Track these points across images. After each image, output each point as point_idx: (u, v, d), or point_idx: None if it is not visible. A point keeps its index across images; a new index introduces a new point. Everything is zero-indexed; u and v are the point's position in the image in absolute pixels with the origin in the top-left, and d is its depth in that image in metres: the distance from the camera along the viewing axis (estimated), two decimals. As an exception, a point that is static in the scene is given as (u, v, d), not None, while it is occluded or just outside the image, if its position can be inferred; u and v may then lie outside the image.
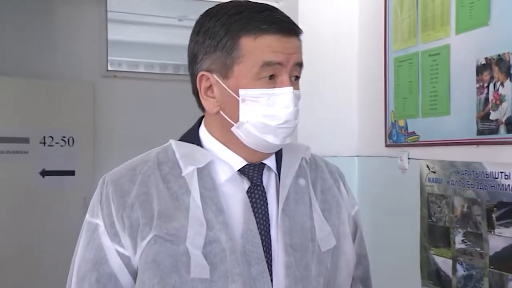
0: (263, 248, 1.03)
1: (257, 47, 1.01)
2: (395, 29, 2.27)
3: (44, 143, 3.88)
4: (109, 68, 4.40)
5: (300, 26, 2.87)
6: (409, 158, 2.18)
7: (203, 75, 1.06)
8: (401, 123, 2.22)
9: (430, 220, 2.03)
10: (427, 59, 2.06)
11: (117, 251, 1.04)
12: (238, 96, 1.03)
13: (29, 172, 3.79)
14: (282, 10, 2.92)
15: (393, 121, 2.28)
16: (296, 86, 1.05)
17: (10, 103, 3.71)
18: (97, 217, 1.07)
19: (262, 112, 1.02)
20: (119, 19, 4.91)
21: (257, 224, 1.05)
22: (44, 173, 3.85)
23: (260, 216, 1.06)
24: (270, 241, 1.06)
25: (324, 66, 2.56)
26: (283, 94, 1.02)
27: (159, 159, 1.09)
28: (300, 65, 1.06)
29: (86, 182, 3.91)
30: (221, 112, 1.07)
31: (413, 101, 2.14)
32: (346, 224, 1.16)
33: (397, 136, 2.25)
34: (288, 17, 1.06)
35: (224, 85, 1.04)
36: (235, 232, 1.02)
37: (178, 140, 1.13)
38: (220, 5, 1.07)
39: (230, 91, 1.03)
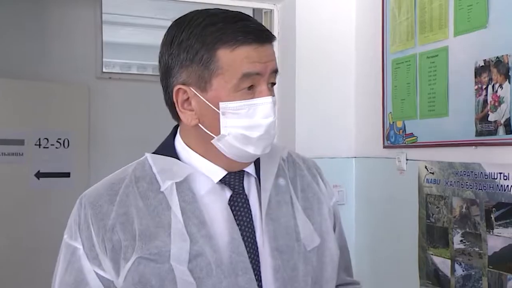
0: (250, 255, 1.03)
1: (235, 59, 0.99)
2: (393, 31, 2.28)
3: (39, 145, 3.85)
4: (104, 70, 4.39)
5: (298, 28, 2.89)
6: (407, 159, 2.19)
7: (179, 88, 1.04)
8: (399, 124, 2.24)
9: (428, 221, 2.04)
10: (425, 61, 2.08)
11: (98, 274, 1.03)
12: (218, 109, 1.01)
13: (24, 174, 3.76)
14: (279, 14, 2.94)
15: (391, 123, 2.29)
16: (273, 93, 1.05)
17: (5, 105, 3.69)
18: (75, 240, 1.05)
19: (243, 123, 1.01)
20: (113, 20, 4.89)
21: (242, 231, 1.04)
22: (39, 175, 3.82)
23: (244, 223, 1.05)
24: (257, 247, 1.05)
25: (322, 68, 2.57)
26: (263, 104, 1.01)
27: (136, 175, 1.07)
28: (276, 71, 1.05)
29: (81, 184, 3.88)
30: (199, 125, 1.05)
31: (411, 102, 2.16)
32: (328, 220, 1.16)
33: (395, 137, 2.27)
34: (261, 25, 1.06)
35: (202, 98, 1.02)
36: (219, 243, 1.01)
37: (153, 152, 1.11)
38: (191, 15, 1.05)
39: (210, 104, 1.02)
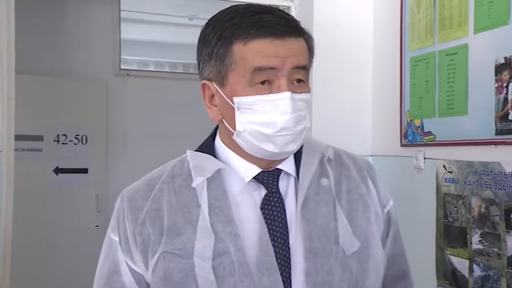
0: (280, 256, 1.00)
1: (247, 53, 0.98)
2: (411, 29, 2.25)
3: (58, 141, 3.89)
4: (122, 67, 4.41)
5: (315, 26, 2.85)
6: (425, 158, 2.16)
7: (204, 84, 1.05)
8: (417, 122, 2.21)
9: (446, 221, 2.01)
10: (444, 58, 2.04)
11: (129, 267, 1.05)
12: (233, 104, 1.00)
13: (43, 169, 3.80)
14: (296, 10, 2.91)
15: (409, 121, 2.26)
16: (299, 89, 1.00)
17: (24, 101, 3.69)
18: (114, 232, 1.08)
19: (257, 119, 0.99)
20: (131, 18, 4.91)
21: (274, 232, 1.01)
22: (57, 170, 3.86)
23: (277, 223, 1.03)
24: (289, 248, 1.02)
25: (339, 65, 2.55)
26: (279, 100, 0.97)
27: (174, 171, 1.08)
28: (302, 67, 1.01)
29: (98, 180, 3.92)
30: (223, 120, 1.05)
31: (429, 100, 2.13)
32: (374, 225, 1.10)
33: (413, 135, 2.24)
34: (286, 18, 1.01)
35: (221, 93, 1.02)
36: (245, 243, 0.99)
37: (196, 150, 1.11)
38: (220, 12, 1.04)
39: (227, 99, 1.01)
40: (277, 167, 1.07)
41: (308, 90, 1.03)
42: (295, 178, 1.08)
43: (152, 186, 1.07)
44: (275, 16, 0.99)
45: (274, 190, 1.05)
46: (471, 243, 1.88)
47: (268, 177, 1.05)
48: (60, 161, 3.86)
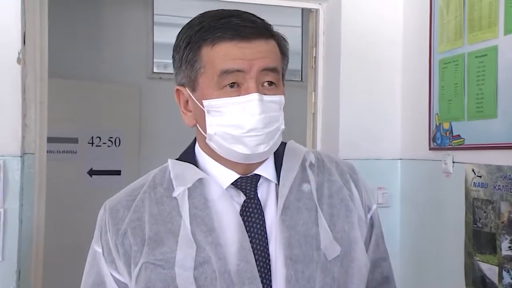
0: (260, 264, 0.99)
1: (215, 56, 0.97)
2: (440, 30, 2.21)
3: (92, 143, 3.97)
4: (155, 70, 4.47)
5: (343, 27, 2.83)
6: (453, 162, 2.12)
7: (177, 89, 1.05)
8: (446, 126, 2.17)
9: (475, 226, 1.97)
10: (474, 60, 2.00)
11: (114, 278, 1.05)
12: (204, 107, 1.00)
13: (77, 171, 3.89)
14: (325, 12, 2.89)
15: (438, 124, 2.22)
16: (270, 92, 0.99)
17: (60, 104, 3.80)
18: (97, 243, 1.08)
19: (227, 122, 0.98)
20: (164, 22, 4.98)
21: (253, 239, 1.00)
22: (91, 172, 3.95)
23: (256, 230, 1.01)
24: (268, 255, 1.00)
25: (367, 68, 2.53)
26: (247, 101, 0.97)
27: (156, 181, 1.07)
28: (271, 69, 0.99)
29: (131, 182, 3.95)
30: (197, 125, 1.05)
31: (458, 103, 2.09)
32: (357, 229, 1.08)
33: (442, 139, 2.20)
34: (253, 20, 1.00)
35: (193, 98, 1.02)
36: (226, 251, 0.98)
37: (177, 158, 1.10)
38: (193, 18, 1.04)
39: (198, 103, 1.01)
40: (256, 172, 1.06)
41: (280, 92, 1.02)
42: (275, 184, 1.07)
43: (133, 196, 1.06)
44: (242, 19, 0.99)
45: (252, 196, 1.04)
46: (501, 249, 1.84)
47: (246, 182, 1.04)
48: (94, 163, 3.95)
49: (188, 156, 1.09)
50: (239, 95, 0.98)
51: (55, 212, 3.68)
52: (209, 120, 0.99)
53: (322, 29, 2.68)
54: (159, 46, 4.56)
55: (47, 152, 2.28)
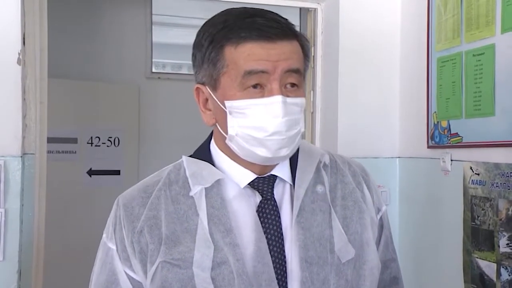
0: (277, 265, 0.99)
1: (238, 56, 0.96)
2: (438, 29, 2.22)
3: (91, 143, 3.98)
4: (154, 70, 4.48)
5: (341, 26, 2.84)
6: (452, 160, 2.13)
7: (197, 88, 1.04)
8: (444, 124, 2.18)
9: (473, 223, 1.98)
10: (471, 59, 2.01)
11: (128, 276, 1.04)
12: (225, 108, 0.98)
13: (77, 171, 3.89)
14: (323, 12, 2.89)
15: (436, 122, 2.23)
16: (292, 94, 0.98)
17: (59, 104, 3.80)
18: (111, 240, 1.07)
19: (249, 124, 0.97)
20: (163, 22, 4.98)
21: (270, 240, 1.00)
22: (91, 172, 3.95)
23: (272, 232, 1.01)
24: (284, 257, 1.00)
25: (365, 67, 2.54)
26: (271, 104, 0.95)
27: (171, 178, 1.06)
28: (295, 71, 0.98)
29: (131, 181, 3.91)
30: (217, 124, 1.04)
31: (456, 101, 2.10)
32: (369, 231, 1.09)
33: (440, 137, 2.21)
34: (278, 21, 0.99)
35: (214, 97, 1.01)
36: (244, 252, 0.98)
37: (191, 155, 1.10)
38: (215, 16, 1.03)
39: (219, 103, 1.00)
40: (272, 173, 1.05)
41: (302, 95, 1.01)
42: (290, 185, 1.06)
43: (148, 193, 1.05)
44: (267, 19, 0.97)
45: (269, 197, 1.03)
46: (499, 246, 1.85)
47: (264, 183, 1.04)
48: (94, 163, 3.95)
49: (204, 154, 1.08)
50: (262, 97, 0.96)
51: (56, 212, 3.68)
52: (231, 121, 0.98)
53: (320, 29, 2.69)
54: (157, 46, 4.57)
55: (47, 152, 2.28)
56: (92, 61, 4.11)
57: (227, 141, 1.01)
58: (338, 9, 2.53)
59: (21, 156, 2.04)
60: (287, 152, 1.00)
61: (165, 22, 5.07)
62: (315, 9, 2.70)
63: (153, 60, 4.47)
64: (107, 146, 4.02)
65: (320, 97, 2.68)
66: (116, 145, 4.05)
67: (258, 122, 0.96)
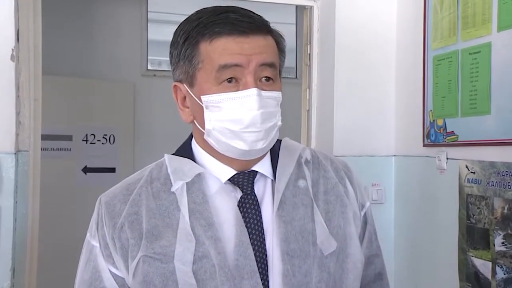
0: (258, 259, 1.00)
1: (213, 51, 0.97)
2: (434, 27, 2.22)
3: (87, 140, 3.96)
4: (149, 67, 4.46)
5: (337, 24, 2.83)
6: (447, 158, 2.13)
7: (175, 85, 1.05)
8: (440, 122, 2.17)
9: (468, 222, 1.98)
10: (467, 57, 2.01)
11: (111, 272, 1.04)
12: (202, 103, 1.00)
13: (72, 168, 3.87)
14: (319, 10, 2.89)
15: (432, 121, 2.23)
16: (267, 87, 1.00)
17: (54, 102, 3.78)
18: (94, 238, 1.07)
19: (225, 117, 0.98)
20: (159, 19, 4.97)
21: (251, 234, 1.01)
22: (86, 170, 3.94)
23: (253, 226, 1.02)
24: (265, 250, 1.01)
25: (361, 65, 2.53)
26: (245, 96, 0.97)
27: (152, 175, 1.07)
28: (269, 65, 1.00)
29: (126, 179, 3.96)
30: (194, 121, 1.04)
31: (452, 100, 2.09)
32: (352, 225, 1.09)
33: (435, 135, 2.20)
34: (251, 16, 1.00)
35: (191, 93, 1.02)
36: (226, 246, 0.98)
37: (173, 153, 1.10)
38: (191, 14, 1.04)
39: (196, 99, 1.01)
40: (253, 168, 1.06)
41: (278, 88, 1.02)
42: (272, 180, 1.07)
43: (130, 190, 1.06)
44: (240, 15, 0.99)
45: (249, 191, 1.04)
46: (494, 245, 1.85)
47: (244, 179, 1.05)
48: (89, 160, 3.94)
49: (185, 152, 1.09)
50: (237, 90, 0.98)
51: (50, 209, 3.66)
52: (207, 115, 0.99)
53: (316, 27, 2.68)
54: (153, 43, 4.55)
55: (41, 149, 2.27)
56: (87, 58, 4.09)
57: (205, 137, 1.02)
58: (334, 7, 2.52)
59: (15, 153, 2.03)
60: (264, 145, 1.01)
61: (161, 19, 5.05)
62: (311, 7, 2.69)
63: (148, 57, 4.46)
64: (102, 143, 4.00)
65: (316, 95, 2.67)
66: (111, 143, 4.04)
67: (233, 115, 0.97)
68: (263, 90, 0.98)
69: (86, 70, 4.04)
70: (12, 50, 2.03)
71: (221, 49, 0.97)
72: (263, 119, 0.98)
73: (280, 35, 1.05)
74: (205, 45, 0.98)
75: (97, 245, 1.06)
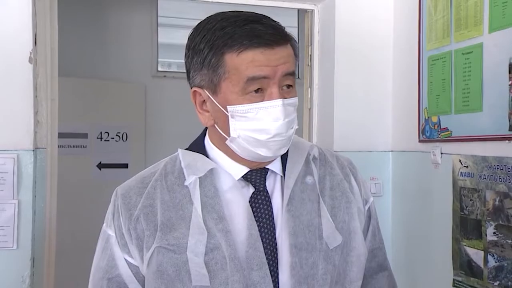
0: (268, 252, 1.00)
1: (241, 63, 0.95)
2: (429, 29, 2.21)
3: (101, 138, 3.98)
4: (159, 69, 4.47)
5: (337, 27, 2.83)
6: (442, 153, 2.13)
7: (195, 91, 1.03)
8: (434, 119, 2.17)
9: (462, 213, 1.98)
10: (460, 57, 2.00)
11: (127, 261, 1.05)
12: (227, 112, 0.98)
13: (87, 165, 3.89)
14: (320, 13, 2.89)
15: (427, 118, 2.23)
16: (289, 95, 0.99)
17: (70, 102, 3.81)
18: (110, 228, 1.07)
19: (251, 126, 0.97)
20: (168, 23, 4.97)
21: (262, 228, 1.01)
22: (100, 166, 3.95)
23: (264, 220, 1.02)
24: (275, 243, 1.01)
25: (360, 65, 2.53)
26: (272, 107, 0.96)
27: (167, 169, 1.06)
28: (291, 73, 0.99)
29: (138, 174, 3.98)
30: (215, 125, 1.03)
31: (446, 98, 2.09)
32: (356, 220, 1.09)
33: (430, 132, 2.20)
34: (274, 27, 0.98)
35: (214, 100, 1.00)
36: (236, 239, 0.98)
37: (186, 148, 1.10)
38: (208, 19, 1.01)
39: (220, 107, 0.99)
40: (265, 166, 1.06)
41: (295, 94, 1.01)
42: (281, 176, 1.07)
43: (145, 183, 1.05)
44: (264, 26, 0.97)
45: (261, 188, 1.04)
46: (486, 235, 1.85)
47: (256, 176, 1.04)
48: (103, 156, 3.95)
49: (198, 147, 1.09)
50: (262, 100, 0.96)
51: (67, 203, 3.68)
52: (233, 124, 0.98)
53: (317, 29, 2.68)
54: (163, 46, 4.56)
55: (58, 146, 2.28)
56: (101, 61, 4.11)
57: (227, 142, 1.01)
58: (334, 11, 2.52)
59: (33, 150, 2.04)
60: (285, 150, 1.02)
61: (170, 23, 5.06)
62: (312, 11, 2.69)
63: (159, 59, 4.46)
64: (116, 141, 4.02)
65: (317, 94, 2.67)
66: (124, 140, 4.05)
67: (260, 125, 0.96)
68: (284, 98, 0.97)
69: (100, 72, 4.06)
70: (30, 53, 2.04)
71: (248, 61, 0.95)
72: (287, 128, 0.98)
73: (295, 41, 1.04)
74: (231, 56, 0.95)
75: (113, 234, 1.06)
